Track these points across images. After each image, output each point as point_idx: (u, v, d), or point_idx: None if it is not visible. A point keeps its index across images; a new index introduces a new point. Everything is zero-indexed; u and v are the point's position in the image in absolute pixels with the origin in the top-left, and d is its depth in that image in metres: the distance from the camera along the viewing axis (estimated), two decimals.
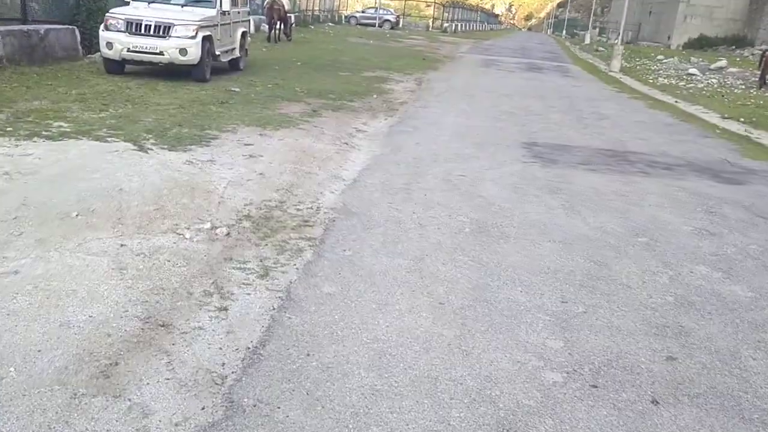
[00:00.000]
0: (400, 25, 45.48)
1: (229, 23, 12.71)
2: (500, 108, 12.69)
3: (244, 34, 13.80)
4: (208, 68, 11.68)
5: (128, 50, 10.87)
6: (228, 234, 4.47)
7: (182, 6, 11.79)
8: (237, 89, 11.11)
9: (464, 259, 4.49)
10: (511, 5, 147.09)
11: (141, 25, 10.88)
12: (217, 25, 11.96)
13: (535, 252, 4.76)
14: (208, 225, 4.56)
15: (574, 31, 79.26)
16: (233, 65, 13.58)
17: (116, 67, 11.26)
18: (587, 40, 54.16)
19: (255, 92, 11.01)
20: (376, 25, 41.54)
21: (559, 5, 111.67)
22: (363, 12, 46.01)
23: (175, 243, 4.23)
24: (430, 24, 51.78)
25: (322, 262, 4.22)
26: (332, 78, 14.46)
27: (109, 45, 10.90)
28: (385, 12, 45.74)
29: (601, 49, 42.97)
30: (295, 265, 4.13)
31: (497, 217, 5.54)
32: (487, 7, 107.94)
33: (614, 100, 15.89)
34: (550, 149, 8.89)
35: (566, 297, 4.02)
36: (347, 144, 7.98)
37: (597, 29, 62.90)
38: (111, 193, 4.85)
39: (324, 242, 4.57)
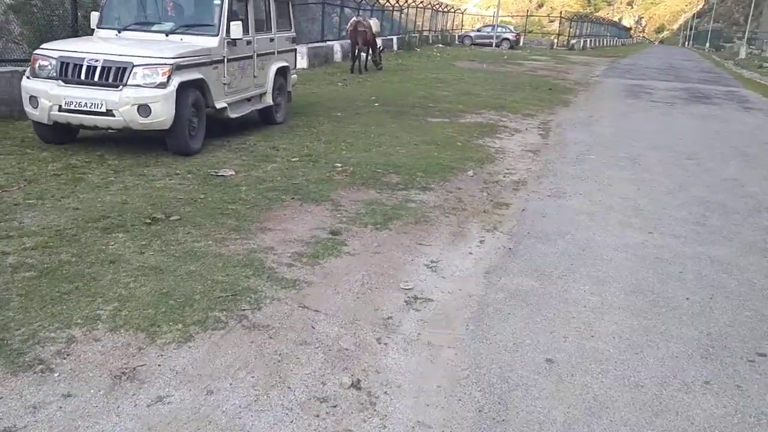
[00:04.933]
0: (521, 44, 39.63)
1: (250, 57, 8.03)
2: (693, 192, 7.04)
3: (283, 71, 9.09)
4: (198, 133, 7.02)
5: (60, 109, 6.42)
6: None
7: (167, 34, 7.24)
8: (231, 172, 6.33)
9: None
10: (640, 18, 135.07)
11: (80, 67, 6.42)
12: (220, 61, 7.31)
13: None
14: None
15: (720, 43, 69.26)
16: (266, 117, 8.92)
17: (53, 134, 6.86)
18: (742, 54, 45.41)
19: (255, 179, 6.16)
20: (493, 44, 36.05)
21: (696, 15, 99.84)
22: (478, 31, 40.53)
23: None
24: (555, 41, 45.40)
25: None
26: (412, 131, 9.40)
27: (33, 100, 6.53)
28: (503, 30, 40.03)
29: (766, 65, 34.91)
30: None
31: None
32: (614, 20, 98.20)
33: None
34: None
35: None
36: (355, 405, 2.87)
37: (744, 40, 53.33)
38: None
39: None
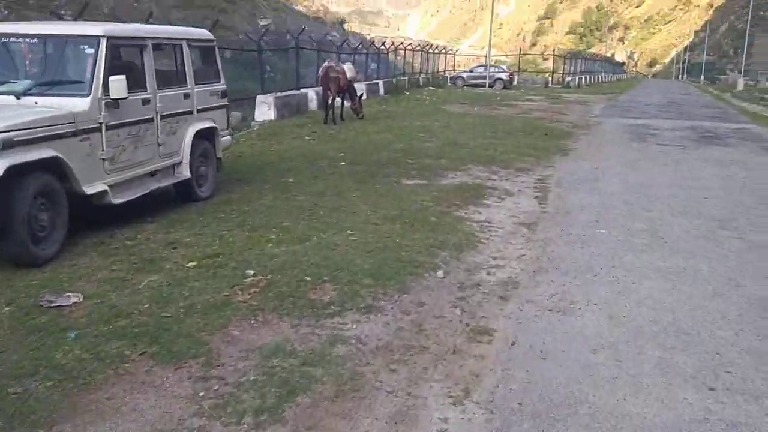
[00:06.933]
0: (515, 83, 37.92)
1: (149, 120, 5.99)
2: (750, 290, 4.87)
3: (208, 134, 7.05)
4: (51, 233, 4.89)
5: None
6: None
7: (18, 96, 5.20)
8: (74, 299, 4.15)
9: None
10: (632, 52, 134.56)
11: None
12: (94, 129, 5.25)
13: None
14: None
15: (714, 75, 67.94)
16: (184, 193, 6.84)
17: None
18: (740, 86, 43.73)
19: (107, 310, 3.98)
20: (486, 85, 34.31)
21: (687, 48, 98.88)
22: (470, 71, 38.74)
23: None
24: (550, 79, 43.73)
25: None
26: (377, 201, 7.28)
27: None
28: (496, 69, 38.32)
29: (767, 96, 33.01)
30: None
31: None
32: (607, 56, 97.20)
33: None
34: None
35: None
36: None
37: (741, 72, 51.74)
38: None
39: None
